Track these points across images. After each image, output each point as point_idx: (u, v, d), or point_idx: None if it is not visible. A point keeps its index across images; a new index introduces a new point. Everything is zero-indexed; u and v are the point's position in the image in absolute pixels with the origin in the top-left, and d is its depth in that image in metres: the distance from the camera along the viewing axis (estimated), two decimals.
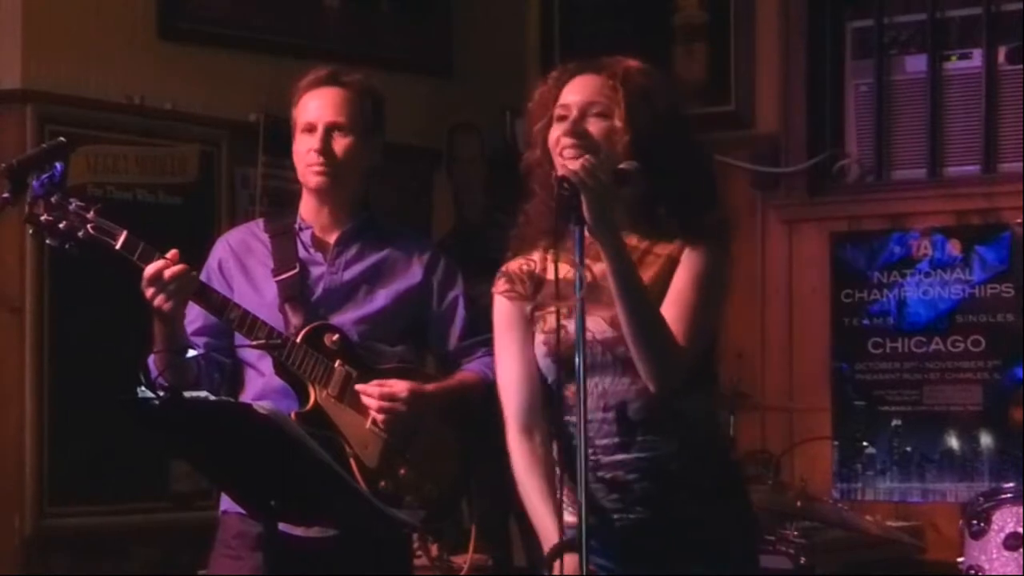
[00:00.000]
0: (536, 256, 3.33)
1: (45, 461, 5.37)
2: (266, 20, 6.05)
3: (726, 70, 6.49)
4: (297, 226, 3.96)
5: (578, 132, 3.18)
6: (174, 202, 5.70)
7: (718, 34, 6.54)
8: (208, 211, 5.79)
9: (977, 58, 6.11)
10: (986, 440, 5.96)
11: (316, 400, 3.79)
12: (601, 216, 3.03)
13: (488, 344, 4.01)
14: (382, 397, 3.78)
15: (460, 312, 4.00)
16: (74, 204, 3.62)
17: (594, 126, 3.19)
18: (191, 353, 3.71)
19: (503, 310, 3.35)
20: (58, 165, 3.57)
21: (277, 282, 3.88)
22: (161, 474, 5.57)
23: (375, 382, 3.81)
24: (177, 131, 5.74)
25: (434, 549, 4.95)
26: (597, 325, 3.16)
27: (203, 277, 3.81)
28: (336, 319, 3.86)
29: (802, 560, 5.17)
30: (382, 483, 3.78)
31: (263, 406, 3.26)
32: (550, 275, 3.20)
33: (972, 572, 4.82)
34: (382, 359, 3.88)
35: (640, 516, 3.19)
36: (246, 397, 3.87)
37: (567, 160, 3.16)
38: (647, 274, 3.18)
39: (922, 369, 6.07)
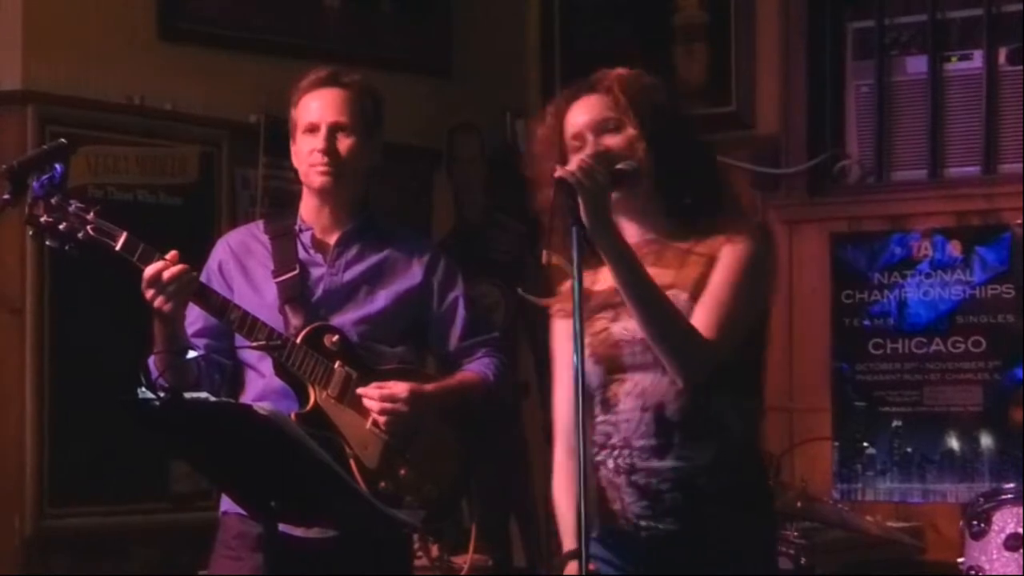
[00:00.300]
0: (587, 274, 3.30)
1: (45, 461, 5.37)
2: (266, 20, 6.05)
3: (726, 70, 6.49)
4: (297, 227, 3.96)
5: (600, 155, 3.18)
6: (174, 203, 5.70)
7: (718, 34, 6.53)
8: (208, 212, 5.79)
9: (978, 59, 6.11)
10: (986, 441, 5.96)
11: (316, 401, 3.79)
12: (598, 217, 3.04)
13: (488, 344, 4.02)
14: (383, 399, 3.79)
15: (460, 312, 4.00)
16: (74, 205, 3.62)
17: (611, 141, 3.21)
18: (191, 354, 3.71)
19: (556, 328, 3.37)
20: (58, 166, 3.57)
21: (277, 283, 3.88)
22: (161, 475, 5.57)
23: (375, 384, 3.81)
24: (177, 132, 5.74)
25: (434, 549, 4.95)
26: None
27: (203, 278, 3.81)
28: (336, 320, 3.86)
29: (802, 560, 5.16)
30: (382, 484, 3.78)
31: (263, 407, 3.26)
32: (597, 286, 3.26)
33: (972, 573, 4.82)
34: (382, 360, 3.88)
35: (669, 527, 3.19)
36: (246, 398, 3.87)
37: None
38: (690, 275, 3.19)
39: (922, 370, 6.07)
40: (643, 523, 3.20)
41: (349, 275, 3.92)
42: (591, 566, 3.05)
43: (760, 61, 6.42)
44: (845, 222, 6.26)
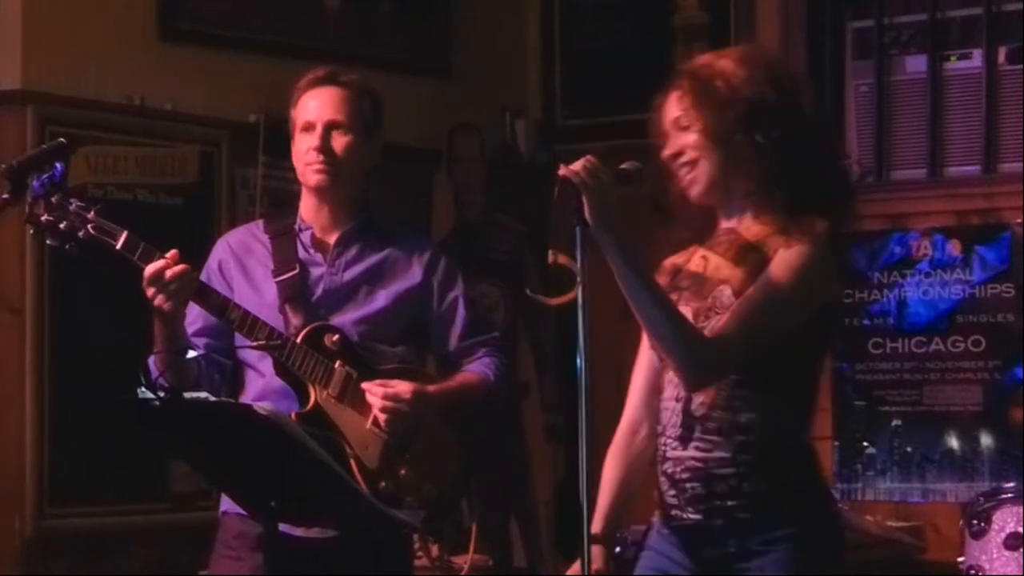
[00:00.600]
0: (686, 253, 3.35)
1: (45, 462, 5.37)
2: (266, 20, 6.05)
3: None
4: (297, 227, 3.96)
5: (675, 152, 3.24)
6: (174, 203, 5.71)
7: (718, 34, 6.53)
8: (208, 212, 5.79)
9: (977, 58, 6.11)
10: (986, 440, 5.96)
11: (316, 401, 3.79)
12: (603, 216, 3.03)
13: (488, 344, 4.02)
14: (386, 397, 3.78)
15: (460, 312, 3.99)
16: (74, 204, 3.62)
17: (685, 139, 3.24)
18: (191, 354, 3.71)
19: None
20: (58, 165, 3.57)
21: (277, 283, 3.88)
22: (161, 475, 5.57)
23: (379, 381, 3.81)
24: (177, 132, 5.74)
25: (434, 549, 4.95)
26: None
27: (203, 278, 3.80)
28: (336, 320, 3.86)
29: None
30: (382, 484, 3.78)
31: (263, 407, 3.26)
32: (691, 267, 3.28)
33: (972, 572, 4.83)
34: (382, 359, 3.88)
35: (692, 517, 3.20)
36: (246, 398, 3.87)
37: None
38: (742, 272, 3.19)
39: (922, 369, 6.08)
40: (673, 512, 3.23)
41: (349, 275, 3.92)
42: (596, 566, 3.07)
43: None
44: None
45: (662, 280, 3.28)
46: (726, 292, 3.18)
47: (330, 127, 3.86)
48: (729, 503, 3.18)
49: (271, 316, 3.81)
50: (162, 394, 3.21)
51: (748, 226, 3.26)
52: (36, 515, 5.36)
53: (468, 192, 6.55)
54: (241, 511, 3.66)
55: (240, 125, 5.87)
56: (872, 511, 5.80)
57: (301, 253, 3.92)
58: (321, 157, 3.85)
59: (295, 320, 3.83)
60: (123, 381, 3.34)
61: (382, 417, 3.79)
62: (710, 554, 3.21)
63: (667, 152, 3.25)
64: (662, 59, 6.48)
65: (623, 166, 3.18)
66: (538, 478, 6.40)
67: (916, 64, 6.23)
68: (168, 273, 3.61)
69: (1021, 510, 4.78)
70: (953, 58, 6.17)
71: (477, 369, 3.97)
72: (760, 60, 3.30)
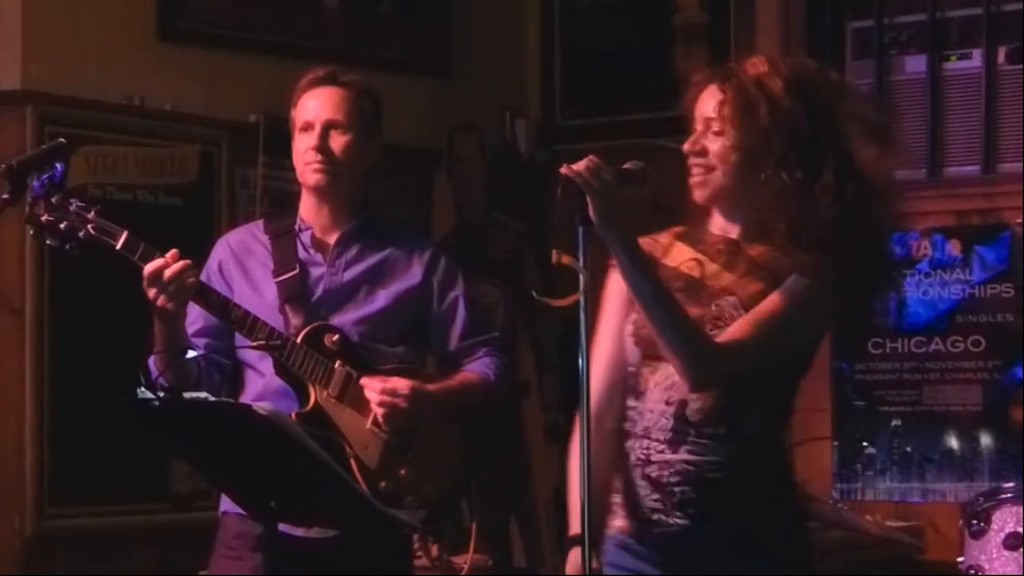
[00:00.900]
0: (663, 239, 3.33)
1: (45, 462, 5.37)
2: (266, 21, 6.05)
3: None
4: (297, 227, 3.96)
5: (696, 150, 3.23)
6: (174, 203, 5.70)
7: (718, 34, 6.54)
8: (208, 212, 5.79)
9: (977, 58, 6.11)
10: (986, 440, 5.96)
11: (316, 401, 3.79)
12: (607, 216, 3.03)
13: (489, 344, 4.02)
14: (384, 392, 3.78)
15: (461, 312, 3.99)
16: (74, 205, 3.62)
17: (712, 143, 3.22)
18: (191, 354, 3.71)
19: (611, 281, 3.30)
20: (58, 166, 3.57)
21: (277, 283, 3.88)
22: (161, 475, 5.57)
23: (378, 378, 3.81)
24: (177, 132, 5.74)
25: (434, 549, 4.95)
26: None
27: (203, 278, 3.80)
28: (336, 320, 3.86)
29: None
30: (382, 483, 3.78)
31: (263, 407, 3.26)
32: (669, 261, 3.26)
33: (972, 572, 4.83)
34: (382, 359, 3.88)
35: (679, 522, 3.18)
36: (246, 398, 3.87)
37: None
38: (750, 287, 3.19)
39: (922, 369, 6.08)
40: (655, 517, 3.20)
41: (349, 275, 3.92)
42: (594, 565, 3.05)
43: None
44: None
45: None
46: (731, 301, 3.18)
47: (329, 127, 3.87)
48: (719, 508, 3.17)
49: (271, 316, 3.81)
50: (162, 394, 3.21)
51: (750, 241, 3.25)
52: (36, 515, 5.36)
53: (468, 192, 6.55)
54: (241, 511, 3.67)
55: (240, 125, 5.87)
56: (872, 511, 5.80)
57: (301, 253, 3.92)
58: (320, 157, 3.85)
59: (295, 320, 3.83)
60: (123, 381, 3.34)
61: (380, 412, 3.79)
62: (692, 560, 3.19)
63: (689, 147, 3.24)
64: (662, 59, 6.49)
65: (626, 166, 3.17)
66: (538, 478, 6.39)
67: (916, 64, 6.23)
68: (168, 272, 3.62)
69: (1021, 510, 4.78)
70: (953, 58, 6.17)
71: (477, 369, 3.98)
72: (810, 86, 3.24)
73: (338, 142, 3.87)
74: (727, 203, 3.26)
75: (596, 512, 3.12)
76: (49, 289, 5.37)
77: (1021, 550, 4.74)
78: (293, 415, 3.69)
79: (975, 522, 4.86)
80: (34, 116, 5.36)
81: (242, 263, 3.94)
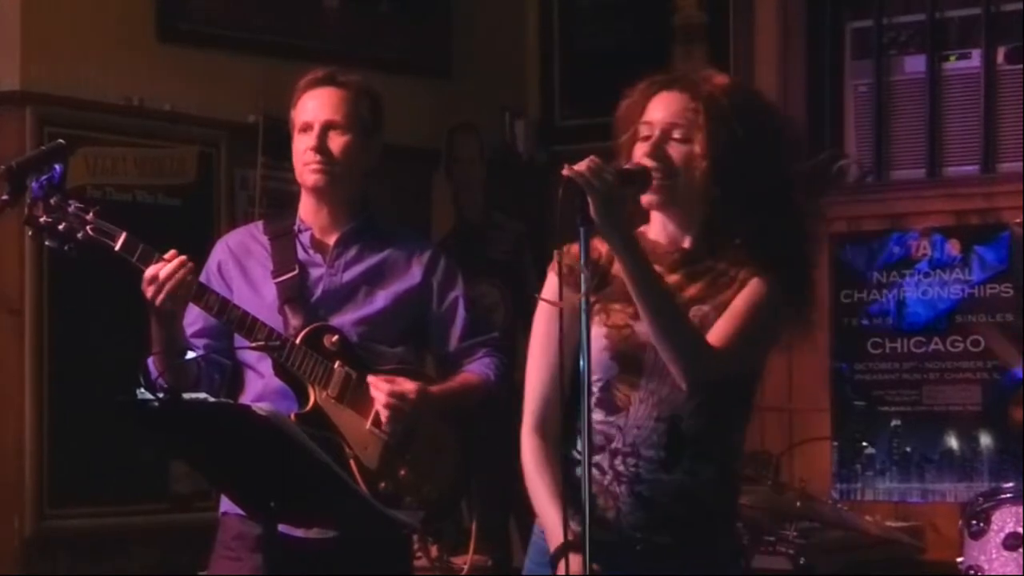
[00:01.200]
0: (603, 247, 3.22)
1: (45, 462, 5.37)
2: (265, 21, 6.05)
3: (725, 71, 6.46)
4: (296, 228, 3.96)
5: (658, 155, 3.18)
6: (173, 203, 5.70)
7: (717, 35, 6.54)
8: (207, 212, 5.79)
9: (976, 58, 6.11)
10: (986, 440, 5.96)
11: (316, 401, 3.79)
12: (608, 216, 3.02)
13: (488, 344, 4.02)
14: (391, 394, 3.78)
15: (460, 313, 3.99)
16: (73, 205, 3.62)
17: (675, 150, 3.18)
18: (190, 355, 3.72)
19: (551, 292, 3.21)
20: (57, 167, 3.57)
21: (276, 284, 3.88)
22: (161, 475, 5.58)
23: (385, 377, 3.81)
24: (176, 132, 5.74)
25: (434, 550, 4.95)
26: None
27: (202, 279, 3.81)
28: (336, 320, 3.86)
29: (802, 560, 5.17)
30: (382, 484, 3.78)
31: (262, 407, 3.26)
32: (615, 270, 3.18)
33: (971, 572, 4.82)
34: (382, 360, 3.88)
35: (664, 541, 3.16)
36: (246, 398, 3.87)
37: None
38: (720, 294, 3.18)
39: (921, 369, 6.08)
40: (639, 535, 3.17)
41: (348, 275, 3.92)
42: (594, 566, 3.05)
43: (759, 61, 6.42)
44: (844, 221, 6.26)
45: (574, 277, 3.14)
46: (703, 309, 3.17)
47: (327, 127, 3.87)
48: (708, 524, 3.18)
49: (270, 317, 3.81)
50: (161, 395, 3.21)
51: (703, 251, 3.22)
52: (36, 515, 5.36)
53: (467, 192, 6.55)
54: (240, 512, 3.67)
55: (239, 126, 5.87)
56: (871, 511, 5.80)
57: (300, 254, 3.92)
58: (318, 157, 3.85)
59: (294, 321, 3.83)
60: (123, 381, 3.34)
61: (384, 414, 3.79)
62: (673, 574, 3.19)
63: (650, 151, 3.18)
64: (661, 59, 6.48)
65: (626, 166, 3.17)
66: None
67: (915, 64, 6.23)
68: (166, 274, 3.62)
69: (1020, 510, 4.78)
70: (952, 58, 6.17)
71: (477, 369, 3.98)
72: (764, 104, 3.28)
73: (337, 143, 3.87)
74: (681, 211, 3.22)
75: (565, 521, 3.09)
76: (48, 290, 5.37)
77: (1020, 550, 4.74)
78: (292, 416, 3.69)
79: (975, 522, 4.85)
80: (33, 117, 5.36)
81: (241, 264, 3.94)
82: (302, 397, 3.79)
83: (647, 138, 3.21)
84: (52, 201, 3.59)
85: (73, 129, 5.30)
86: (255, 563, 3.74)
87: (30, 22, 5.42)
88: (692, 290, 3.20)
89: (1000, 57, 6.08)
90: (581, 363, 2.99)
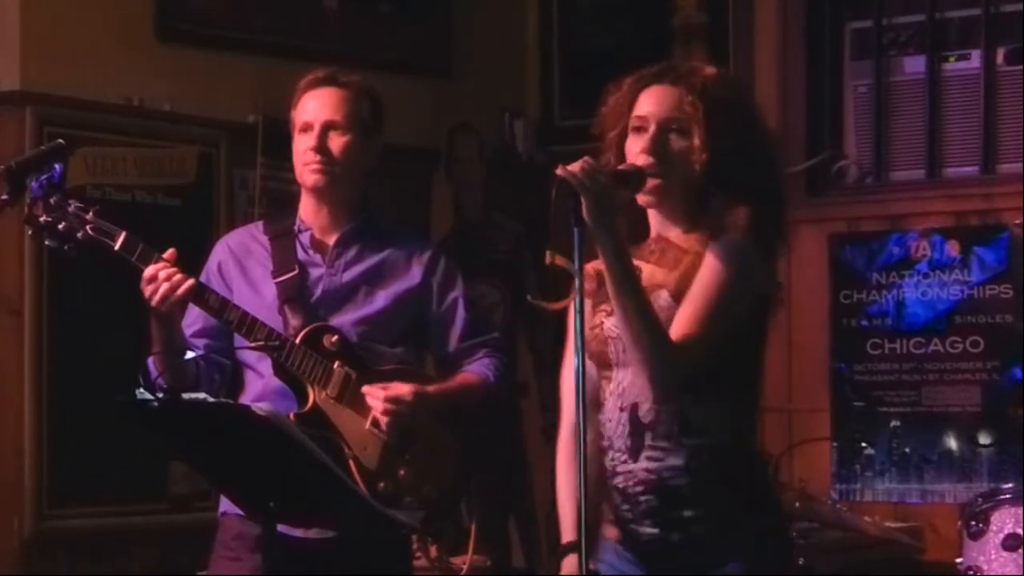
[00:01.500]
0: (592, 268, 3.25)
1: (45, 463, 5.37)
2: (265, 21, 6.05)
3: (725, 71, 6.50)
4: (296, 228, 3.96)
5: (658, 151, 3.17)
6: (173, 203, 5.70)
7: (717, 35, 6.54)
8: (207, 212, 5.79)
9: (976, 59, 6.12)
10: (985, 441, 5.96)
11: (315, 401, 3.79)
12: (601, 218, 3.02)
13: (488, 345, 4.02)
14: (387, 400, 3.78)
15: (460, 313, 3.99)
16: (73, 205, 3.63)
17: (674, 144, 3.17)
18: (190, 355, 3.72)
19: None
20: (57, 166, 3.57)
21: (276, 284, 3.88)
22: (160, 476, 5.57)
23: (379, 384, 3.81)
24: (175, 132, 5.74)
25: (433, 550, 4.95)
26: None
27: (202, 279, 3.81)
28: (335, 320, 3.86)
29: (801, 560, 5.17)
30: (381, 484, 3.78)
31: (262, 407, 3.27)
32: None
33: (971, 573, 4.83)
34: (381, 360, 3.88)
35: (649, 530, 3.16)
36: (245, 398, 3.87)
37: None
38: (677, 274, 3.16)
39: (921, 370, 6.08)
40: (630, 527, 3.18)
41: (348, 275, 3.92)
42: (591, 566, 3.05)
43: (758, 62, 6.42)
44: (844, 222, 6.27)
45: (590, 285, 3.17)
46: (663, 296, 3.15)
47: (327, 127, 3.87)
48: (685, 514, 3.14)
49: (270, 317, 3.81)
50: (161, 395, 3.22)
51: (679, 234, 3.22)
52: (36, 516, 5.36)
53: (467, 192, 6.55)
54: (240, 512, 3.67)
55: (239, 126, 5.87)
56: (871, 512, 5.80)
57: (300, 254, 3.93)
58: (318, 157, 3.85)
59: (294, 321, 3.83)
60: (122, 382, 3.34)
61: (383, 420, 3.79)
62: (669, 568, 3.17)
63: (649, 146, 3.17)
64: (661, 59, 6.45)
65: (621, 167, 3.17)
66: (538, 478, 6.39)
67: (915, 65, 6.24)
68: (166, 274, 3.62)
69: (1019, 511, 4.79)
70: (952, 59, 6.17)
71: (477, 370, 3.98)
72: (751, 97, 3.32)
73: (337, 143, 3.87)
74: (673, 204, 3.23)
75: (592, 518, 3.08)
76: (48, 290, 5.37)
77: (1020, 551, 4.74)
78: (292, 416, 3.69)
79: (974, 523, 4.86)
80: (33, 117, 5.36)
81: (241, 264, 3.94)
82: (301, 397, 3.80)
83: (638, 131, 3.20)
84: (52, 201, 3.60)
85: (73, 129, 5.30)
86: (255, 563, 3.74)
87: (30, 22, 5.42)
88: (660, 276, 3.19)
89: (1000, 58, 6.08)
90: (576, 361, 2.98)
